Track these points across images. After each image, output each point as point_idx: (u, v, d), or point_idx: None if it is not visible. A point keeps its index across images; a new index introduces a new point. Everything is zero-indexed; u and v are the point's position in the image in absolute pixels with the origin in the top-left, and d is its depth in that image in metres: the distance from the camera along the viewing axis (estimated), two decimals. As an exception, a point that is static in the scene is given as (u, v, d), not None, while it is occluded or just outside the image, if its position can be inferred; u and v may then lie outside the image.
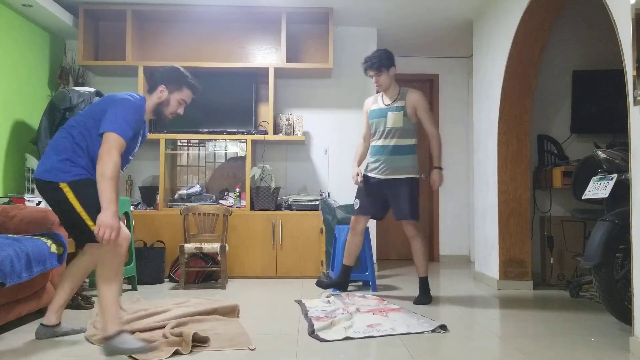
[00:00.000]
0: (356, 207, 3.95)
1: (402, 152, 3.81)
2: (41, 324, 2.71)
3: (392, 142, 3.81)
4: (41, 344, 2.60)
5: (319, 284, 4.12)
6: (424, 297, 3.77)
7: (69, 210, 2.49)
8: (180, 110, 2.77)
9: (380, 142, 3.86)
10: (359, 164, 4.01)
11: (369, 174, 3.89)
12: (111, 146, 2.45)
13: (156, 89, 2.71)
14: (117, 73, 5.20)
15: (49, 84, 4.99)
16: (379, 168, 3.84)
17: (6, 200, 3.81)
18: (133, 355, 2.36)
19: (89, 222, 2.45)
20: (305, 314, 3.26)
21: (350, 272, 4.07)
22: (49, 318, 2.71)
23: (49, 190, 2.52)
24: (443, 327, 2.92)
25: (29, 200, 3.88)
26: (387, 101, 3.88)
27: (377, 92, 3.96)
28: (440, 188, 6.32)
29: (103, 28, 5.26)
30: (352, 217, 4.00)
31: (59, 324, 2.74)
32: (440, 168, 3.86)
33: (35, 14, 4.55)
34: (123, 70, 5.11)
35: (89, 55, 5.03)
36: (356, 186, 3.97)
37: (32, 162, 4.46)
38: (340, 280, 4.03)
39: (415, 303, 3.69)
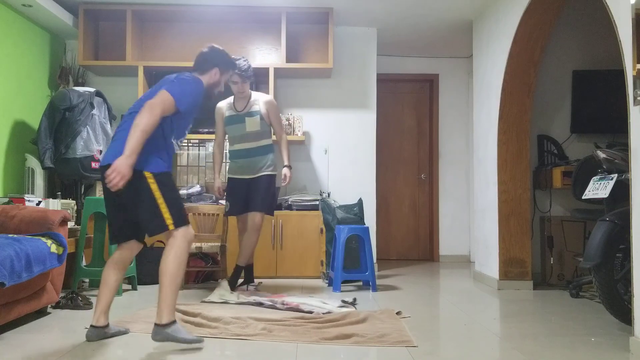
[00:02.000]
0: (227, 209, 4.12)
1: (263, 152, 4.07)
2: (91, 326, 2.66)
3: (254, 144, 4.05)
4: (41, 344, 2.60)
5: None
6: (249, 279, 4.13)
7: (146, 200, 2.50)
8: (222, 89, 3.02)
9: (238, 147, 4.07)
10: (219, 172, 4.26)
11: (235, 176, 4.10)
12: (157, 102, 2.48)
13: (210, 70, 2.88)
14: (117, 73, 5.20)
15: (49, 84, 4.99)
16: (245, 169, 4.06)
17: (6, 200, 3.81)
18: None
19: (166, 215, 2.51)
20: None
21: (240, 272, 4.09)
22: (98, 319, 2.66)
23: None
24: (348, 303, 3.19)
25: (29, 200, 3.88)
26: (240, 107, 4.07)
27: (235, 97, 4.12)
28: (440, 188, 6.40)
29: (103, 28, 5.26)
30: (238, 220, 4.20)
31: (107, 325, 2.70)
32: (289, 167, 4.14)
33: (35, 14, 4.55)
34: (123, 70, 5.10)
35: (89, 55, 5.03)
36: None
37: (32, 162, 4.46)
38: (230, 281, 4.02)
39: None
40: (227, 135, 4.19)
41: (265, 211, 4.02)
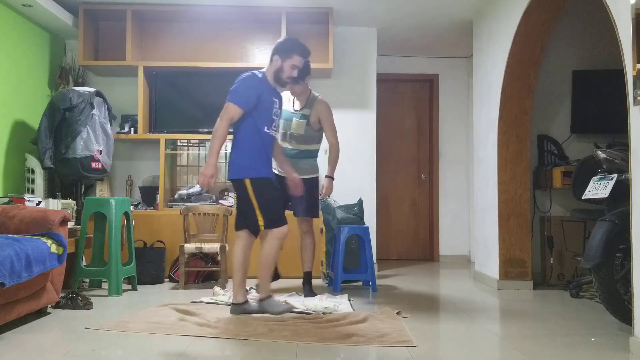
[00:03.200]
0: None
1: (303, 156, 3.93)
2: (233, 303, 3.22)
3: (295, 146, 3.91)
4: (41, 344, 2.60)
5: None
6: (309, 291, 3.96)
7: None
8: (295, 74, 3.34)
9: (282, 144, 3.85)
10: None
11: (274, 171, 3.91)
12: (223, 113, 3.12)
13: (272, 59, 3.29)
14: (117, 73, 5.20)
15: (49, 84, 4.99)
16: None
17: (6, 200, 3.81)
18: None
19: (259, 217, 3.15)
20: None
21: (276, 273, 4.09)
22: (237, 297, 3.20)
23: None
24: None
25: (29, 200, 3.88)
26: (297, 106, 3.92)
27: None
28: (440, 188, 6.40)
29: (103, 28, 5.26)
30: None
31: (246, 302, 3.21)
32: (331, 177, 3.96)
33: (35, 14, 4.55)
34: (123, 70, 5.10)
35: (89, 55, 5.03)
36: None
37: (32, 162, 4.46)
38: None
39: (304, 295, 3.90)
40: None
41: (313, 215, 3.99)
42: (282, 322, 3.01)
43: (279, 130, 3.84)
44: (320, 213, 4.73)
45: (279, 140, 3.86)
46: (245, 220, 3.25)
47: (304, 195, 3.83)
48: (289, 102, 3.94)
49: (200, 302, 3.64)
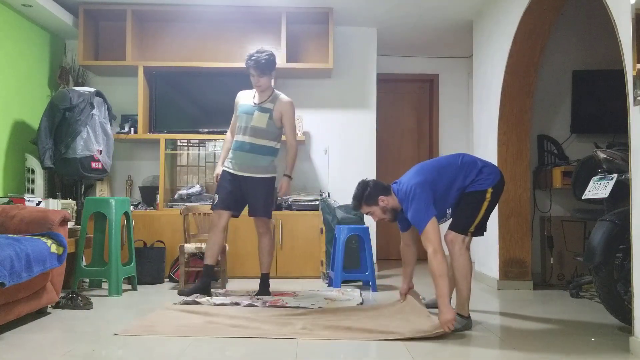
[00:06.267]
0: (215, 201, 3.85)
1: (263, 152, 3.82)
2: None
3: (255, 140, 3.81)
4: (41, 344, 2.60)
5: (181, 293, 3.82)
6: (266, 291, 3.88)
7: None
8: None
9: (240, 138, 3.83)
10: (223, 161, 3.96)
11: (229, 170, 3.86)
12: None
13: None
14: (117, 73, 5.20)
15: (49, 84, 4.99)
16: (239, 164, 3.83)
17: (6, 200, 3.81)
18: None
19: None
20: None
21: (212, 272, 3.94)
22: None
23: None
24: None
25: (29, 200, 3.88)
26: (258, 100, 3.87)
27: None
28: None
29: (103, 28, 5.26)
30: (214, 214, 3.88)
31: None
32: (289, 177, 3.90)
33: (35, 14, 4.55)
34: (123, 70, 5.10)
35: (89, 55, 5.03)
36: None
37: (32, 162, 4.46)
38: (203, 284, 3.82)
39: (256, 296, 3.81)
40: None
41: (268, 216, 3.91)
42: (316, 320, 3.05)
43: (238, 124, 3.86)
44: (320, 213, 4.74)
45: (238, 134, 3.85)
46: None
47: (260, 195, 3.81)
48: (251, 97, 3.91)
49: (184, 302, 3.53)
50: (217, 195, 3.86)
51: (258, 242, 3.95)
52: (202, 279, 3.88)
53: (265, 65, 3.76)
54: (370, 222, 5.09)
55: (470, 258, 3.15)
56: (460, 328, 2.92)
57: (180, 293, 3.80)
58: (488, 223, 3.19)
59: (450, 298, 3.12)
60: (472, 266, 3.16)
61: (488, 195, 3.03)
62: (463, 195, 3.08)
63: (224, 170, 3.90)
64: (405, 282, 3.49)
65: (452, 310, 2.85)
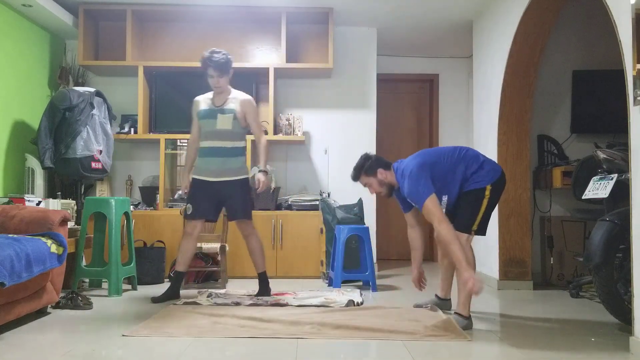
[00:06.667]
0: (189, 212, 3.78)
1: (233, 154, 3.77)
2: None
3: (223, 144, 3.76)
4: (41, 344, 2.60)
5: (154, 300, 3.70)
6: (266, 291, 3.83)
7: None
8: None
9: (208, 144, 3.77)
10: (190, 169, 3.89)
11: (200, 177, 3.78)
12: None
13: None
14: (117, 73, 5.20)
15: (49, 84, 4.99)
16: (211, 170, 3.76)
17: (6, 200, 3.81)
18: None
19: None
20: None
21: (182, 278, 3.89)
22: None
23: None
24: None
25: (29, 200, 3.88)
26: (218, 102, 3.80)
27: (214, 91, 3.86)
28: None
29: (103, 28, 5.26)
30: (188, 223, 3.82)
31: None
32: (265, 171, 3.82)
33: (35, 13, 4.55)
34: (123, 70, 5.11)
35: (89, 55, 5.03)
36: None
37: (32, 162, 4.46)
38: (173, 290, 3.77)
39: (257, 296, 3.77)
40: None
41: (249, 218, 3.82)
42: (324, 319, 3.06)
43: (203, 130, 3.78)
44: (320, 213, 4.74)
45: (205, 140, 3.77)
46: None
47: (238, 198, 3.76)
48: (209, 101, 3.83)
49: (183, 303, 3.55)
50: (190, 205, 3.78)
51: (247, 245, 3.88)
52: (172, 284, 3.79)
53: (225, 65, 3.72)
54: (370, 222, 5.09)
55: (474, 256, 3.19)
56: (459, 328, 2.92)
57: (154, 300, 3.68)
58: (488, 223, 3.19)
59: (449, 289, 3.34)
60: (475, 263, 3.20)
61: (487, 193, 3.07)
62: (462, 194, 3.10)
63: (194, 179, 3.81)
64: (415, 267, 3.46)
65: (471, 270, 2.89)
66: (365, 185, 3.36)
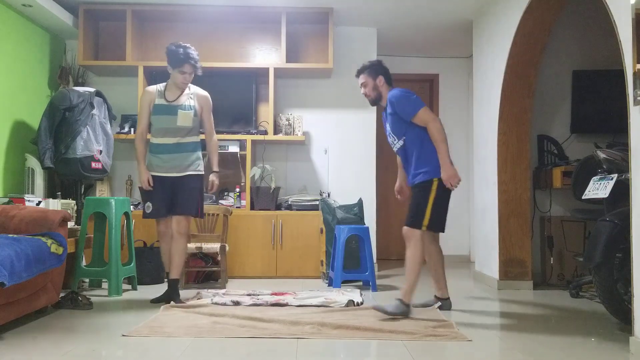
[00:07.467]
0: (149, 210, 3.65)
1: (191, 149, 3.68)
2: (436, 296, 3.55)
3: (181, 139, 3.65)
4: (41, 344, 2.60)
5: (153, 301, 3.63)
6: (175, 297, 3.60)
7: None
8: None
9: (165, 141, 3.64)
10: (144, 163, 3.69)
11: (158, 174, 3.65)
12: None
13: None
14: (117, 73, 5.20)
15: (49, 84, 4.99)
16: (169, 166, 3.65)
17: (6, 200, 3.81)
18: None
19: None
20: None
21: (178, 284, 3.67)
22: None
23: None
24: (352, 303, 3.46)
25: (29, 200, 3.88)
26: (172, 97, 3.67)
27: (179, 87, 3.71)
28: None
29: (103, 28, 5.26)
30: (158, 222, 3.70)
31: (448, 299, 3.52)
32: (217, 173, 3.80)
33: (35, 14, 4.55)
34: (123, 70, 5.11)
35: (89, 55, 5.03)
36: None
37: (32, 162, 4.46)
38: (171, 292, 3.63)
39: (152, 301, 3.62)
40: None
41: (191, 214, 3.67)
42: (324, 319, 3.06)
43: (159, 126, 3.64)
44: (320, 213, 4.74)
45: (160, 136, 3.64)
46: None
47: (191, 191, 3.64)
48: (161, 95, 3.67)
49: (182, 304, 3.51)
50: (149, 204, 3.66)
51: (172, 243, 3.64)
52: (171, 289, 3.64)
53: (198, 62, 3.66)
54: (370, 222, 5.09)
55: (441, 251, 3.54)
56: (397, 313, 3.13)
57: (153, 302, 3.62)
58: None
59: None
60: (443, 258, 3.55)
61: (434, 187, 3.23)
62: (412, 188, 3.37)
63: (152, 175, 3.66)
64: (399, 180, 3.70)
65: (453, 168, 3.18)
66: (362, 84, 3.50)
